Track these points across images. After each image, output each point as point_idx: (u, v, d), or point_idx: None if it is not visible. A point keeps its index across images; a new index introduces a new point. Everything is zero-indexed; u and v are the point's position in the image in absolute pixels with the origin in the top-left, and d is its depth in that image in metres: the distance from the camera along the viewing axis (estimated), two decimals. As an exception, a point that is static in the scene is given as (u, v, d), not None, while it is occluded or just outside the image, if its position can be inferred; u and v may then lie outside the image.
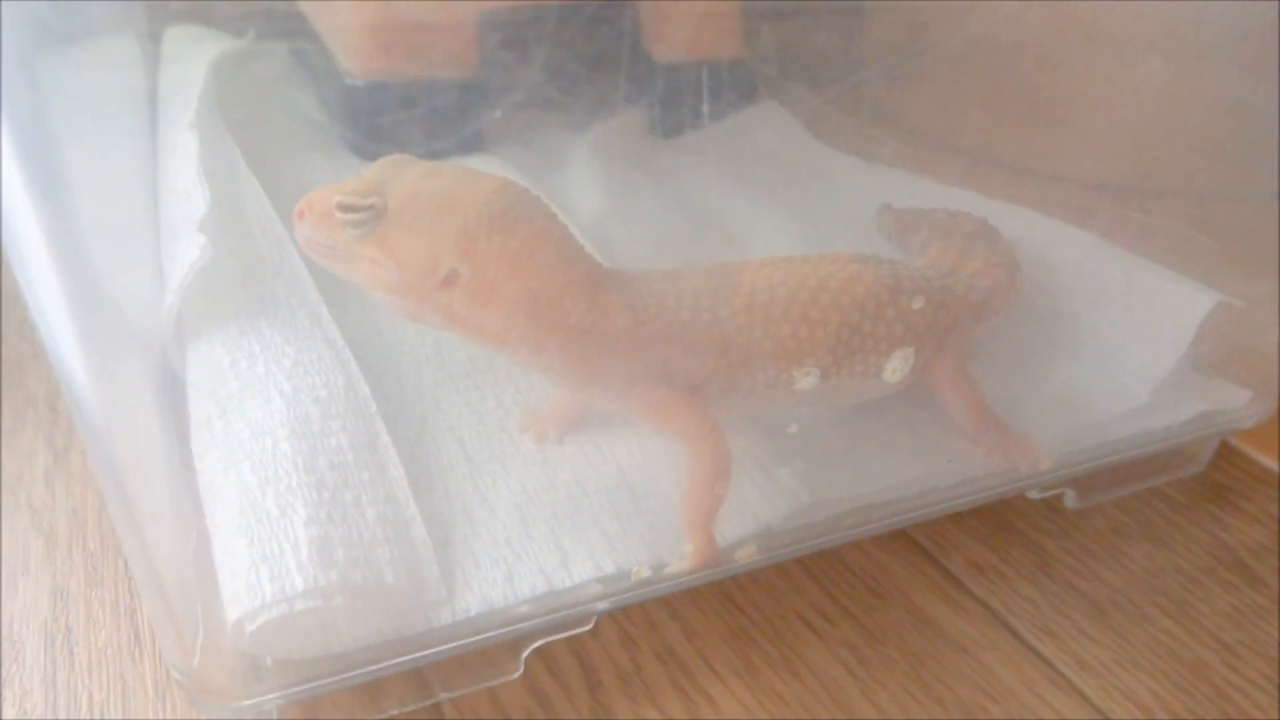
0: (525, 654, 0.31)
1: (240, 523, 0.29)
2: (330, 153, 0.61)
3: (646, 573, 0.30)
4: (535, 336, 0.29)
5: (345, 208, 0.29)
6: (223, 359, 0.36)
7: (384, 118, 0.61)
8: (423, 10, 0.61)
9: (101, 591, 0.34)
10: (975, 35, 0.64)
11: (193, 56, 0.64)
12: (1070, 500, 0.39)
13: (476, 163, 0.59)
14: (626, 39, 0.65)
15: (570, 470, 0.35)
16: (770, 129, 0.66)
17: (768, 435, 0.33)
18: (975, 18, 0.62)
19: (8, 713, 0.30)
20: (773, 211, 0.55)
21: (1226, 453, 0.43)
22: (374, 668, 0.29)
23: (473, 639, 0.29)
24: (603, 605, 0.30)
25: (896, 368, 0.33)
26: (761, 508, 0.32)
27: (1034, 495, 0.38)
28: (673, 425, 0.31)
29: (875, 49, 0.69)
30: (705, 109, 0.67)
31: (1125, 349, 0.41)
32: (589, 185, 0.56)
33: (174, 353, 0.38)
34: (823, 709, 0.31)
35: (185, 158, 0.45)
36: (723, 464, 0.30)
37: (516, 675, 0.31)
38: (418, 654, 0.29)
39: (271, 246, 0.42)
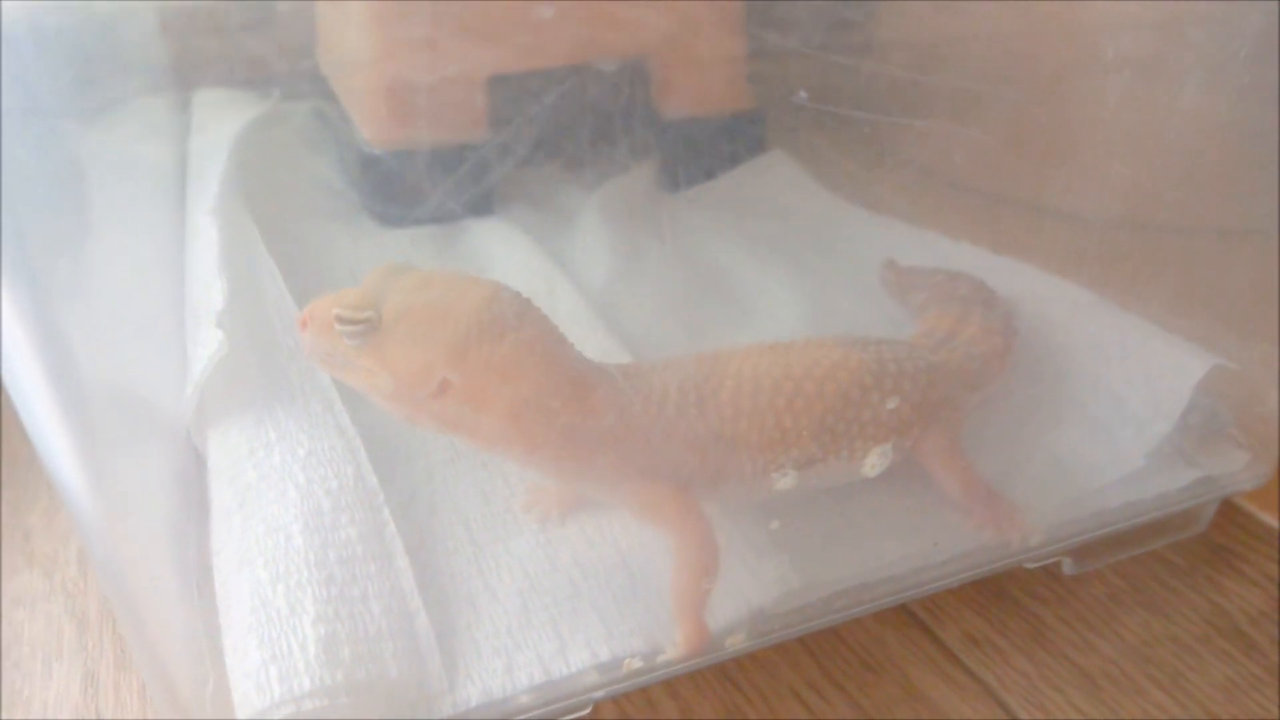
0: (526, 739, 0.32)
1: (251, 621, 0.30)
2: (349, 220, 0.63)
3: (638, 664, 0.32)
4: (526, 439, 0.31)
5: (342, 320, 0.30)
6: (241, 447, 0.38)
7: (399, 184, 0.63)
8: (434, 76, 0.63)
9: (130, 677, 0.36)
10: (986, 72, 0.64)
11: (219, 126, 0.66)
12: (1068, 567, 0.39)
13: (486, 227, 0.61)
14: (634, 96, 0.66)
15: (571, 552, 0.36)
16: (778, 180, 0.67)
17: (757, 522, 0.34)
18: (986, 53, 0.63)
19: (43, 799, 0.32)
20: (778, 268, 0.56)
21: (1228, 511, 0.43)
22: (380, 758, 0.30)
23: (473, 729, 0.31)
24: (599, 694, 0.32)
25: (875, 463, 0.34)
26: (753, 592, 0.33)
27: (1030, 566, 0.39)
28: (660, 519, 0.32)
29: (886, 90, 0.70)
30: (713, 162, 0.68)
31: (1121, 413, 0.41)
32: (597, 248, 0.57)
33: (197, 438, 0.40)
34: (816, 788, 0.32)
35: (206, 246, 0.47)
36: (710, 557, 0.31)
37: (518, 758, 0.33)
38: (420, 744, 0.30)
39: (287, 333, 0.44)
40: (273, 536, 0.33)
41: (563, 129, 0.63)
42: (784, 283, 0.54)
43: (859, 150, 0.68)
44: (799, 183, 0.67)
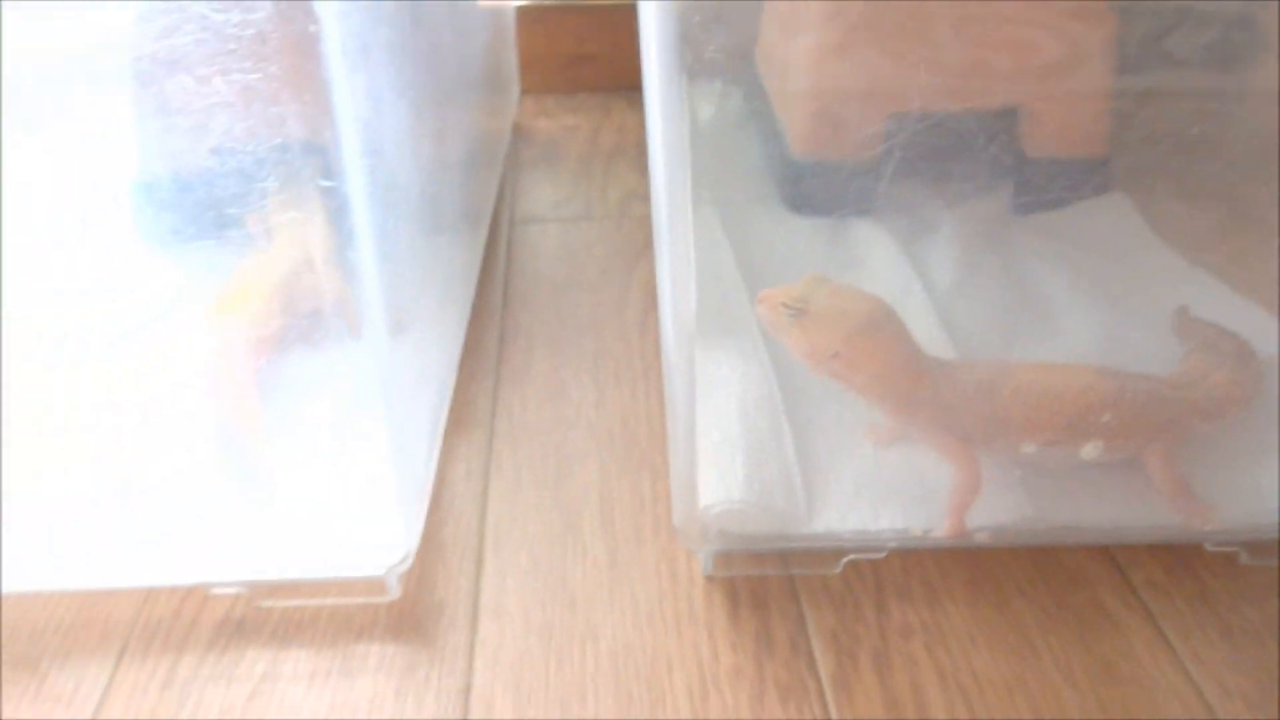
0: (844, 560, 0.56)
1: (711, 459, 0.56)
2: (767, 205, 0.87)
3: (919, 533, 0.54)
4: (878, 395, 0.53)
5: (787, 307, 0.54)
6: (706, 358, 0.64)
7: (809, 185, 0.86)
8: (850, 110, 0.85)
9: (624, 476, 0.64)
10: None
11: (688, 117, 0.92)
12: (1243, 557, 0.55)
13: (865, 227, 0.82)
14: (1005, 135, 0.83)
15: (890, 463, 0.59)
16: (1113, 220, 0.81)
17: (1009, 470, 0.55)
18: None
19: (570, 544, 0.60)
20: (1089, 297, 0.72)
21: (1407, 554, 0.55)
22: (766, 546, 0.55)
23: (816, 544, 0.55)
24: (892, 544, 0.54)
25: (1089, 453, 0.52)
26: (999, 511, 0.54)
27: (1210, 548, 0.55)
28: (950, 456, 0.53)
29: (1241, 141, 0.80)
30: (1060, 196, 0.84)
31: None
32: (946, 259, 0.77)
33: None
34: (1013, 638, 0.52)
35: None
36: (975, 482, 0.52)
37: (837, 572, 0.56)
38: (786, 544, 0.55)
39: (730, 293, 0.70)
40: (719, 416, 0.59)
41: (941, 156, 0.82)
42: (1090, 312, 0.70)
43: (1199, 201, 0.81)
44: (1132, 225, 0.80)
